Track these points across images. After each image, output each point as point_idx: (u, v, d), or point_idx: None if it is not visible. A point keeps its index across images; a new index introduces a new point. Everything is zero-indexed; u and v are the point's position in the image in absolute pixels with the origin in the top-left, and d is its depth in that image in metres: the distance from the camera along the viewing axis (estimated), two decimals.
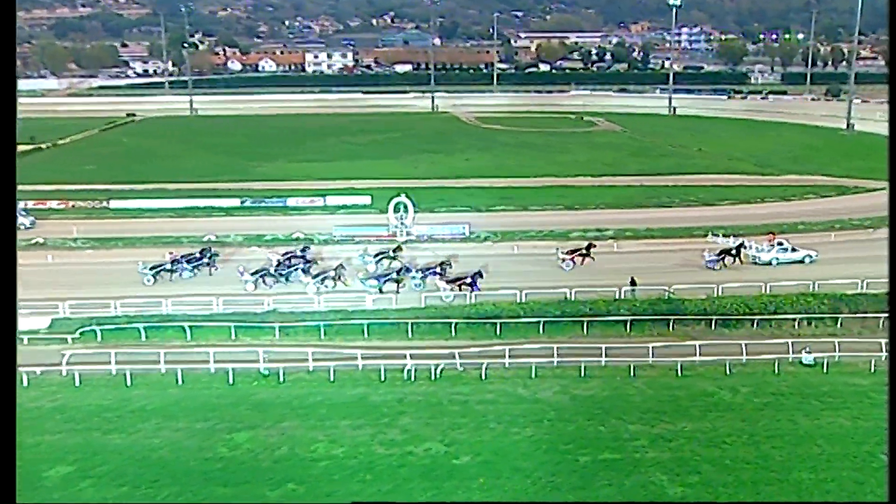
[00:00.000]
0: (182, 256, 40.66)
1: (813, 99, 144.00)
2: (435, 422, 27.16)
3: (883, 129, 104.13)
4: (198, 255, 40.97)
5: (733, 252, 43.88)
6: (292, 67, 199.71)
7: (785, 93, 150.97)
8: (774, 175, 71.92)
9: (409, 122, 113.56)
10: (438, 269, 39.63)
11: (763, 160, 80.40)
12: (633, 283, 38.29)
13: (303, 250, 42.45)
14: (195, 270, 40.25)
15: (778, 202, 60.62)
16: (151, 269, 39.32)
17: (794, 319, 35.11)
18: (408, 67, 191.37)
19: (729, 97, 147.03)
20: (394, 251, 43.21)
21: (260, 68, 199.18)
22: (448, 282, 38.34)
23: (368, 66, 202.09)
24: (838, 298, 35.67)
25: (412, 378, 30.51)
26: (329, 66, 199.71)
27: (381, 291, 37.63)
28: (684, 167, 75.86)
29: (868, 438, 25.87)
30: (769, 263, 44.44)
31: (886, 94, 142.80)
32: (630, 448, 25.41)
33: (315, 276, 38.69)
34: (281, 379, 30.08)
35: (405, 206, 48.27)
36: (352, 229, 48.85)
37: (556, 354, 32.19)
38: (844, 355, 31.91)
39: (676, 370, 31.40)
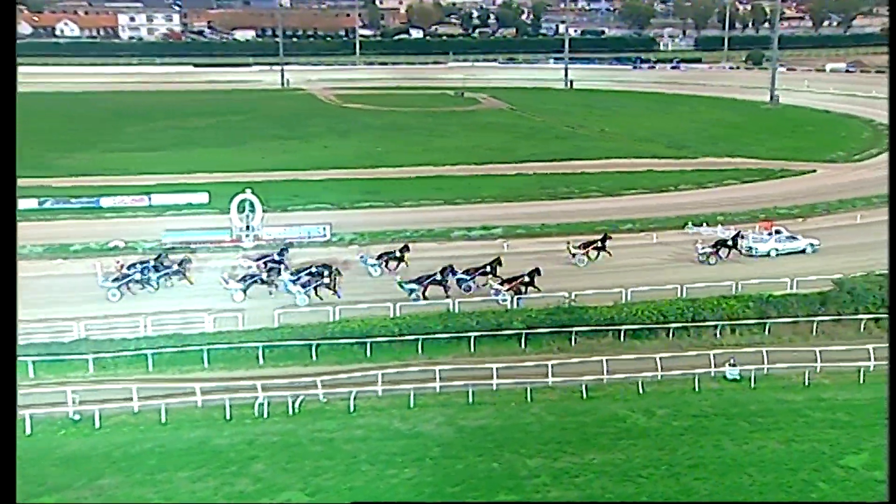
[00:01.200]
0: (139, 263, 41.57)
1: (731, 67, 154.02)
2: (294, 466, 27.03)
3: (811, 100, 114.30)
4: (153, 265, 41.63)
5: (729, 243, 46.66)
6: (102, 32, 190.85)
7: (699, 60, 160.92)
8: (689, 158, 76.35)
9: (253, 102, 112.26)
10: (488, 269, 41.70)
11: (676, 141, 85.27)
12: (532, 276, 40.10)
13: (280, 253, 43.72)
14: (166, 280, 41.30)
15: (694, 190, 64.47)
16: (114, 280, 40.05)
17: (715, 327, 37.38)
18: (250, 34, 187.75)
19: (635, 67, 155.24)
20: (401, 251, 44.39)
21: (58, 32, 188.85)
22: (503, 282, 40.44)
23: (200, 33, 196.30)
24: (765, 301, 38.32)
25: (265, 414, 30.29)
26: (150, 32, 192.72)
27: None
28: (584, 151, 79.10)
29: (804, 464, 27.27)
30: (767, 255, 47.38)
31: (816, 60, 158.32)
32: (529, 487, 26.04)
33: (305, 284, 39.41)
34: (96, 424, 29.29)
35: (251, 205, 47.91)
36: (186, 234, 48.10)
37: (438, 378, 32.62)
38: (774, 367, 34.13)
39: (581, 392, 32.58)
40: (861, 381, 33.28)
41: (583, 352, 35.62)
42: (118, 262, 42.38)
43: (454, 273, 41.15)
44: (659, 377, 33.62)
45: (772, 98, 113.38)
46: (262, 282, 40.63)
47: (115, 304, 39.17)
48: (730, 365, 34.14)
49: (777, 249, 47.79)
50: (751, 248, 47.55)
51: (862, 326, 37.58)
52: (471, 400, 31.91)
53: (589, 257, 45.88)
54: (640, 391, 32.88)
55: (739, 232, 48.17)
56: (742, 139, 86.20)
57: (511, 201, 60.91)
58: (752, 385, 33.43)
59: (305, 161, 72.70)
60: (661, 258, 46.99)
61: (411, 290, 40.24)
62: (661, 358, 34.06)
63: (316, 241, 48.90)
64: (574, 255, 45.57)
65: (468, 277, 41.35)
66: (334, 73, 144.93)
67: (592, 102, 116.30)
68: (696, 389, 33.08)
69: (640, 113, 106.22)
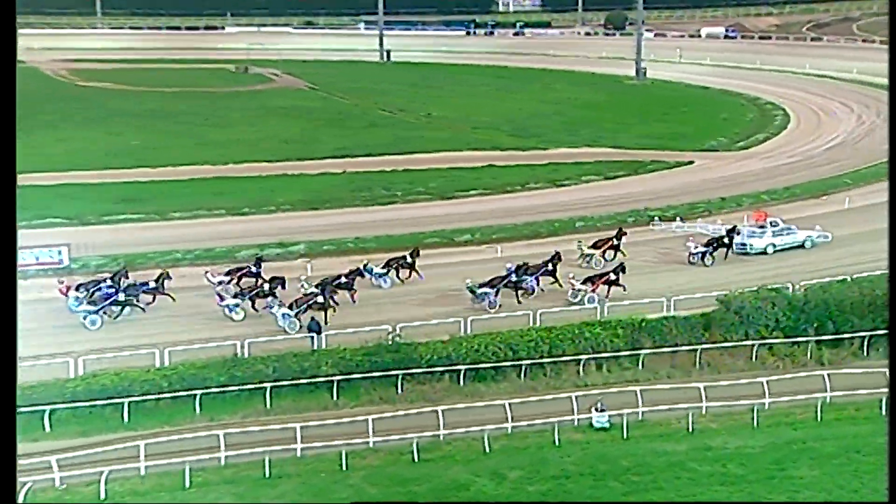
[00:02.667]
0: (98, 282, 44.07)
1: (588, 33, 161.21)
2: None
3: (685, 74, 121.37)
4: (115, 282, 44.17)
5: (726, 241, 50.02)
6: None
7: (548, 25, 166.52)
8: (539, 149, 79.17)
9: None
10: (550, 266, 45.51)
11: (522, 128, 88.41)
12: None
13: (256, 264, 46.74)
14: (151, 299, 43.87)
15: (547, 189, 67.06)
16: (90, 302, 42.39)
17: (577, 362, 38.80)
18: None
19: (469, 33, 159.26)
20: (412, 255, 47.51)
21: None
22: (586, 281, 44.21)
23: None
24: (637, 327, 40.18)
25: None
26: None
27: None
28: (407, 142, 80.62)
29: None
30: (764, 252, 50.75)
31: (690, 23, 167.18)
32: None
33: (292, 304, 41.63)
34: None
35: None
36: None
37: (223, 445, 32.14)
38: (651, 411, 35.68)
39: (411, 453, 32.90)
40: (755, 425, 35.23)
41: (413, 401, 35.98)
42: (61, 281, 44.39)
43: (527, 272, 44.73)
44: (509, 430, 34.36)
45: (638, 72, 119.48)
46: (266, 294, 43.24)
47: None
48: (597, 410, 35.32)
49: (774, 245, 51.16)
50: (744, 244, 50.96)
51: (753, 355, 39.99)
52: (267, 472, 31.55)
53: (604, 258, 49.20)
54: (487, 449, 33.45)
55: (735, 227, 51.52)
56: (603, 124, 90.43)
57: (315, 209, 60.85)
58: (625, 434, 34.67)
59: (31, 161, 69.14)
60: None
61: (484, 296, 43.27)
62: (511, 405, 34.79)
63: (48, 268, 47.04)
64: (586, 256, 48.83)
65: (531, 278, 44.79)
66: (67, 39, 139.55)
67: (416, 79, 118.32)
68: (557, 443, 33.98)
69: (476, 92, 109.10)
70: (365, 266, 46.60)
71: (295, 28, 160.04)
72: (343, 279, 44.45)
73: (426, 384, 37.23)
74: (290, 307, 41.65)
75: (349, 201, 62.73)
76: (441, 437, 33.86)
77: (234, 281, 45.46)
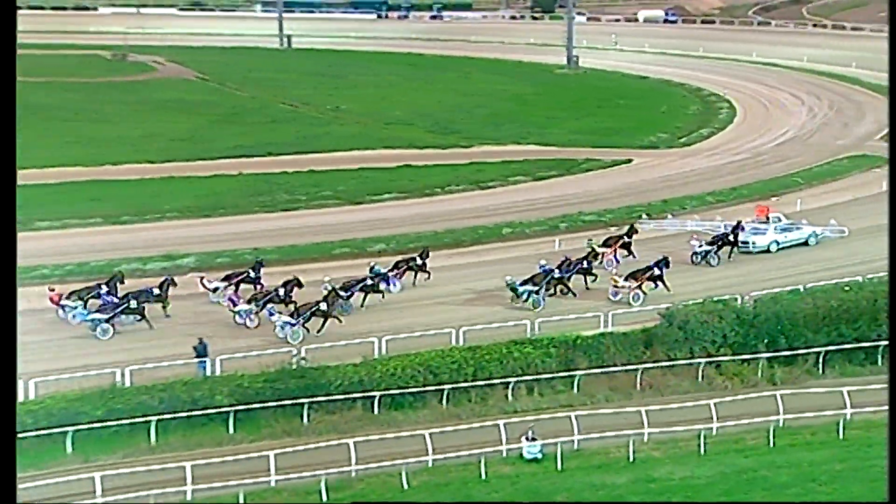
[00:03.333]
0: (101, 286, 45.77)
1: (513, 17, 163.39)
2: None
3: (621, 62, 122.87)
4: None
5: (731, 238, 52.30)
6: None
7: (469, 7, 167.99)
8: (461, 147, 79.68)
9: None
10: (586, 264, 48.29)
11: (441, 123, 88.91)
12: None
13: (255, 268, 48.10)
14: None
15: (470, 192, 67.56)
16: (97, 310, 43.88)
17: (506, 385, 38.91)
18: None
19: (380, 16, 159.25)
20: (422, 256, 49.70)
21: None
22: (628, 277, 46.61)
23: None
24: (571, 345, 40.40)
25: None
26: None
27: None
28: (312, 140, 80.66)
29: None
30: (767, 250, 53.06)
31: (626, 6, 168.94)
32: None
33: (294, 311, 43.17)
34: None
35: None
36: None
37: (98, 489, 31.55)
38: (587, 438, 35.83)
39: (319, 492, 32.60)
40: (701, 452, 35.63)
41: (321, 433, 35.79)
42: (52, 289, 45.57)
43: (570, 268, 47.52)
44: (430, 463, 34.31)
45: (569, 60, 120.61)
46: (280, 300, 44.89)
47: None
48: (527, 439, 35.39)
49: (778, 242, 53.51)
50: (746, 242, 53.14)
51: (700, 374, 40.55)
52: None
53: (615, 257, 51.46)
54: (405, 485, 33.34)
55: (740, 222, 53.68)
56: (532, 118, 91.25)
57: (208, 216, 60.32)
58: (559, 465, 34.71)
59: None
60: (438, 291, 48.88)
61: (528, 295, 45.54)
62: (432, 435, 34.77)
63: None
64: (596, 255, 50.11)
65: (567, 274, 47.44)
66: None
67: (322, 68, 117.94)
68: (483, 477, 33.97)
69: (390, 83, 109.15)
70: (371, 269, 47.92)
71: (180, 10, 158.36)
72: (368, 282, 46.70)
73: (336, 413, 36.98)
74: (293, 315, 42.71)
75: (247, 207, 62.32)
76: (353, 474, 33.64)
77: (233, 286, 46.79)
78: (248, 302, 44.78)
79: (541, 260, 48.18)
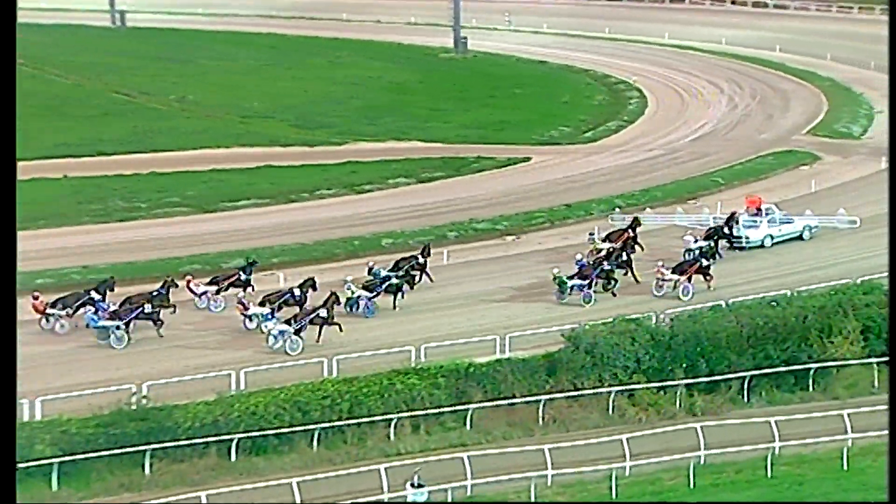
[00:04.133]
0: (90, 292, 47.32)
1: None
2: None
3: (516, 44, 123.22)
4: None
5: (726, 231, 55.22)
6: None
7: None
8: (332, 145, 79.54)
9: None
10: (624, 256, 51.42)
11: (309, 116, 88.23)
12: None
13: (246, 270, 49.92)
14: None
15: (344, 197, 67.34)
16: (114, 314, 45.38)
17: (388, 423, 38.73)
18: None
19: None
20: (422, 254, 51.95)
21: None
22: (675, 269, 50.15)
23: None
24: (463, 374, 40.34)
25: None
26: None
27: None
28: (153, 137, 79.81)
29: None
30: (761, 245, 56.13)
31: None
32: None
33: (291, 318, 44.49)
34: None
35: None
36: None
37: None
38: (482, 482, 35.72)
39: None
40: (613, 496, 35.80)
41: (166, 486, 35.21)
42: (36, 296, 46.48)
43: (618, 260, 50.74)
44: None
45: (457, 42, 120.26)
46: (295, 302, 46.86)
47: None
48: (412, 485, 35.16)
49: (772, 236, 56.52)
50: (739, 236, 56.02)
51: (610, 405, 40.86)
52: None
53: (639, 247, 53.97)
54: None
55: (734, 214, 56.70)
56: (414, 111, 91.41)
57: (25, 228, 58.53)
58: None
59: None
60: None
61: (578, 289, 48.59)
62: (300, 483, 34.43)
63: None
64: (599, 251, 52.81)
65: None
66: None
67: (163, 51, 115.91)
68: None
69: (246, 69, 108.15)
70: (370, 270, 49.89)
71: None
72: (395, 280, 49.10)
73: (185, 461, 36.34)
74: (289, 322, 43.83)
75: (74, 217, 61.31)
76: None
77: (222, 290, 48.76)
78: (261, 304, 46.15)
79: (577, 254, 51.35)
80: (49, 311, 46.14)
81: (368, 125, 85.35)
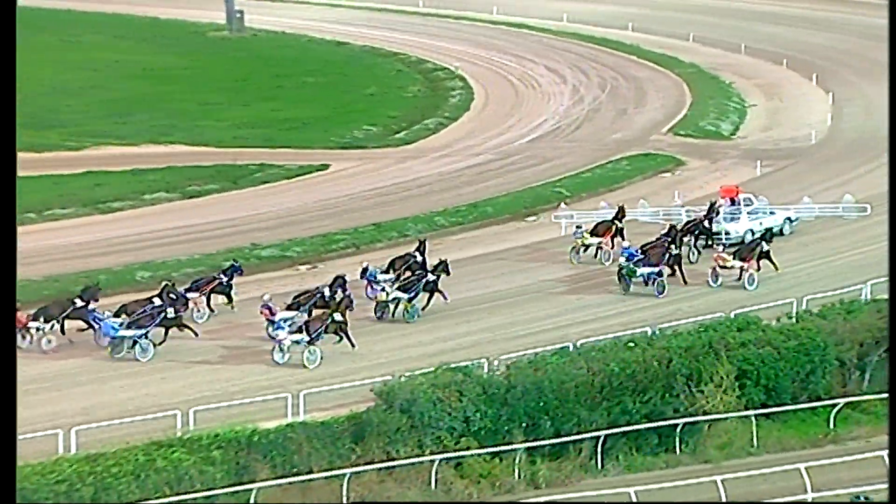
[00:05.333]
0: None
1: None
2: None
3: (307, 21, 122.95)
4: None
5: (706, 225, 59.81)
6: None
7: None
8: (68, 150, 79.04)
9: None
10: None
11: (37, 112, 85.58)
12: None
13: (228, 273, 53.75)
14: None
15: (84, 218, 66.48)
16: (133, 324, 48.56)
17: None
18: None
19: None
20: (419, 250, 56.09)
21: None
22: (735, 256, 54.96)
23: None
24: (245, 444, 39.47)
25: None
26: None
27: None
28: None
29: None
30: (742, 240, 59.50)
31: None
32: None
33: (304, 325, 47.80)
34: None
35: None
36: None
37: None
38: None
39: None
40: None
41: None
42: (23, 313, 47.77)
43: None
44: None
45: (231, 18, 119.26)
46: (325, 304, 50.00)
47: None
48: None
49: (753, 231, 60.39)
50: (718, 232, 60.46)
51: (433, 477, 40.60)
52: None
53: (612, 246, 58.08)
54: None
55: (713, 204, 61.47)
56: (177, 104, 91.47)
57: None
58: None
59: None
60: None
61: (649, 278, 53.08)
62: None
63: None
64: (586, 247, 58.14)
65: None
66: None
67: None
68: None
69: None
70: (365, 270, 53.94)
71: None
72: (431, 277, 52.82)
73: None
74: (302, 330, 47.08)
75: None
76: None
77: (205, 295, 52.54)
78: (289, 308, 49.84)
79: (623, 242, 56.20)
80: (31, 324, 48.41)
81: (116, 124, 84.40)
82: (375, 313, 51.56)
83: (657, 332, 46.76)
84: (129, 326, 48.23)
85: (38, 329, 48.64)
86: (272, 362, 46.95)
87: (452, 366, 43.63)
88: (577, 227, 59.64)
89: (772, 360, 43.61)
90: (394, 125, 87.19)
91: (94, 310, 49.73)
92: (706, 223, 59.94)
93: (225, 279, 53.34)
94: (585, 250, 58.44)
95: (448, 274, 53.16)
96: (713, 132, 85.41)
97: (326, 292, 51.07)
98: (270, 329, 48.77)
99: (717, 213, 60.86)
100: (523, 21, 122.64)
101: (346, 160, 78.27)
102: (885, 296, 46.93)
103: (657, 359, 43.88)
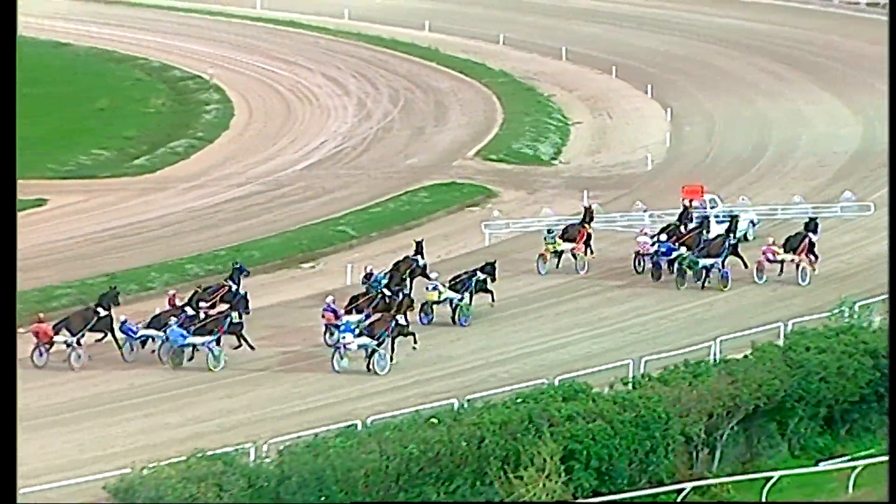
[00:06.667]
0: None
1: None
2: None
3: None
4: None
5: (681, 228, 65.22)
6: None
7: None
8: None
9: None
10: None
11: None
12: None
13: (233, 278, 58.63)
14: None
15: None
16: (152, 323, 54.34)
17: None
18: None
19: None
20: (418, 252, 61.77)
21: None
22: (787, 248, 61.76)
23: None
24: None
25: None
26: None
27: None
28: None
29: None
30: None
31: None
32: None
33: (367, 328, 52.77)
34: None
35: None
36: None
37: None
38: None
39: None
40: None
41: None
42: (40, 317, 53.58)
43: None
44: None
45: None
46: (386, 305, 55.60)
47: None
48: None
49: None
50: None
51: None
52: None
53: (586, 251, 64.32)
54: None
55: (687, 207, 67.00)
56: None
57: None
58: None
59: None
60: None
61: (711, 269, 61.02)
62: None
63: None
64: (559, 253, 63.65)
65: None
66: None
67: None
68: None
69: None
70: (369, 276, 58.91)
71: None
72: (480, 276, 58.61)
73: None
74: (365, 333, 51.85)
75: None
76: None
77: (211, 306, 55.91)
78: (348, 311, 55.02)
79: (661, 236, 62.55)
80: (57, 338, 52.81)
81: None
82: (421, 316, 57.02)
83: (465, 405, 46.89)
84: (196, 333, 52.90)
85: (67, 344, 52.71)
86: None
87: (210, 453, 43.43)
88: (548, 230, 65.09)
89: (604, 436, 43.35)
90: (131, 148, 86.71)
91: (125, 320, 53.85)
92: (682, 228, 64.70)
93: (234, 286, 57.92)
94: (558, 257, 63.68)
95: (495, 279, 59.12)
96: (530, 156, 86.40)
97: (387, 292, 56.87)
98: (328, 335, 53.87)
99: (690, 219, 65.48)
100: (295, 18, 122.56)
101: (69, 193, 77.57)
102: (736, 355, 48.08)
103: (466, 438, 43.92)
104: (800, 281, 60.89)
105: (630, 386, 46.80)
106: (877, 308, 52.30)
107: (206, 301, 56.53)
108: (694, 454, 46.18)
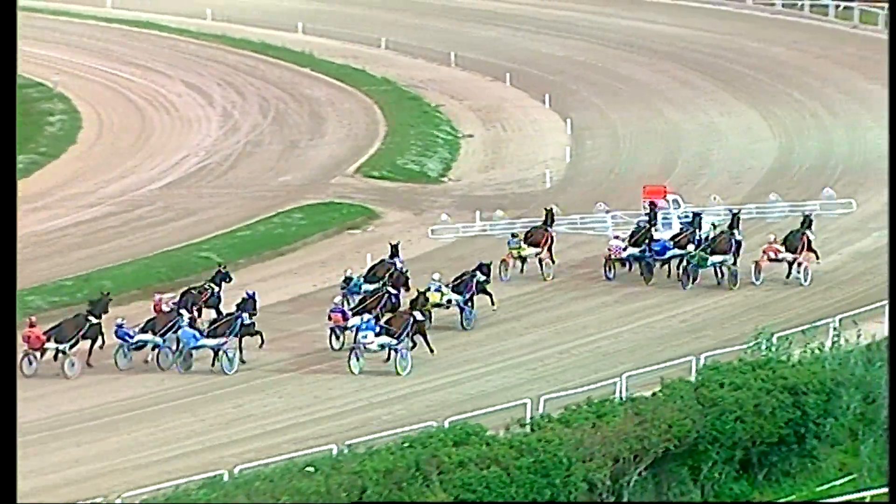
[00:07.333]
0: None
1: None
2: None
3: None
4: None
5: (653, 231, 68.90)
6: None
7: None
8: None
9: None
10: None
11: None
12: None
13: (216, 280, 62.19)
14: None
15: None
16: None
17: None
18: None
19: None
20: (394, 253, 65.62)
21: None
22: (787, 247, 65.06)
23: None
24: None
25: None
26: None
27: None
28: None
29: None
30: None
31: None
32: None
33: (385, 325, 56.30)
34: None
35: None
36: None
37: None
38: None
39: None
40: None
41: None
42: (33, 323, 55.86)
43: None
44: None
45: None
46: (392, 306, 59.09)
47: None
48: None
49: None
50: (659, 239, 68.21)
51: None
52: None
53: (551, 258, 68.02)
54: None
55: (654, 208, 70.22)
56: None
57: None
58: None
59: None
60: None
61: (722, 266, 65.19)
62: None
63: None
64: (523, 258, 67.74)
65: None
66: None
67: None
68: None
69: None
70: (349, 280, 62.50)
71: None
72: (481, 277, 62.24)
73: None
74: (384, 331, 55.27)
75: None
76: None
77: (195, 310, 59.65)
78: (358, 312, 57.59)
79: (665, 235, 65.97)
80: (49, 345, 55.41)
81: None
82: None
83: (346, 451, 46.93)
84: (209, 335, 56.33)
85: (62, 352, 55.52)
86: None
87: None
88: (513, 235, 68.82)
89: (500, 484, 43.29)
90: None
91: (121, 324, 56.56)
92: (653, 231, 68.35)
93: (217, 289, 61.60)
94: (523, 263, 67.81)
95: (489, 281, 62.77)
96: (416, 173, 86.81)
97: (391, 291, 60.16)
98: (334, 338, 57.40)
99: (656, 219, 68.33)
100: (151, 19, 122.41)
101: None
102: (644, 393, 48.34)
103: (346, 488, 43.93)
104: (803, 281, 64.12)
105: (528, 428, 46.33)
106: (795, 339, 52.78)
107: (196, 304, 60.19)
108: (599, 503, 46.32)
